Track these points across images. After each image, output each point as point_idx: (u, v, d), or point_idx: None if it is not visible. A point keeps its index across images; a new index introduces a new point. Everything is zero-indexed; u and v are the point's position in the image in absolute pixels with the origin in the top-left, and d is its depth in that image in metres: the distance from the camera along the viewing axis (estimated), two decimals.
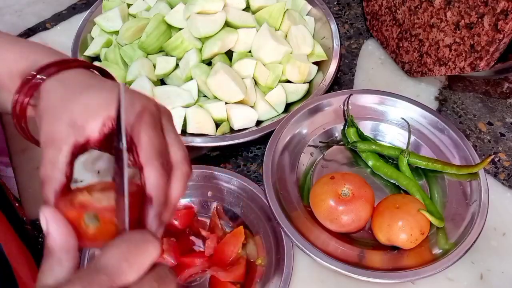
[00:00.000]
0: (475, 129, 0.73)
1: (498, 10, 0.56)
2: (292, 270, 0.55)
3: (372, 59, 0.81)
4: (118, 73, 0.72)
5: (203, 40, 0.71)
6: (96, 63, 0.75)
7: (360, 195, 0.58)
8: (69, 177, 0.38)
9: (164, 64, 0.71)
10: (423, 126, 0.67)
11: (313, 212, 0.60)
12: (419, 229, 0.56)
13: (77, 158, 0.39)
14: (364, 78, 0.79)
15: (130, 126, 0.37)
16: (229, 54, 0.72)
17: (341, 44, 0.76)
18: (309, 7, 0.80)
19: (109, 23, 0.76)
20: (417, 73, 0.74)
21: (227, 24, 0.71)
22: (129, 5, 0.79)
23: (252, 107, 0.69)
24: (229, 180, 0.62)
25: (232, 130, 0.69)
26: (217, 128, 0.68)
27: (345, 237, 0.60)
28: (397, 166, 0.65)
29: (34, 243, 0.58)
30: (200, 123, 0.67)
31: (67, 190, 0.37)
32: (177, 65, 0.72)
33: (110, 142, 0.40)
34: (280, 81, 0.71)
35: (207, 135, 0.67)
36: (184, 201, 0.63)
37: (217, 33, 0.70)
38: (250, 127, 0.68)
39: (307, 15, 0.80)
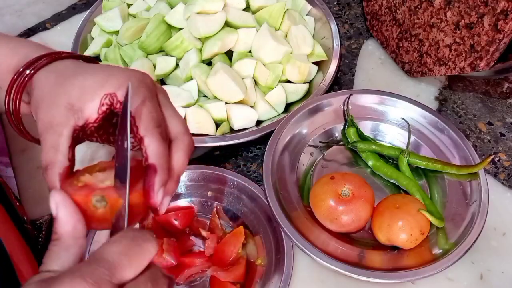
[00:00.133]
0: (475, 129, 0.73)
1: (498, 10, 0.56)
2: (292, 270, 0.55)
3: (372, 59, 0.81)
4: None
5: (203, 40, 0.71)
6: None
7: (360, 195, 0.58)
8: (72, 160, 0.38)
9: (164, 64, 0.71)
10: (423, 126, 0.67)
11: (313, 212, 0.60)
12: (419, 229, 0.56)
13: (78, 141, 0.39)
14: (364, 78, 0.79)
15: (132, 96, 0.37)
16: (229, 54, 0.72)
17: (341, 44, 0.76)
18: (309, 7, 0.80)
19: (109, 23, 0.76)
20: (417, 73, 0.74)
21: (227, 24, 0.71)
22: (129, 5, 0.79)
23: (252, 107, 0.69)
24: (229, 180, 0.62)
25: (232, 130, 0.69)
26: (217, 128, 0.68)
27: (345, 237, 0.60)
28: (397, 166, 0.65)
29: (34, 242, 0.58)
30: (200, 123, 0.67)
31: (70, 174, 0.37)
32: (177, 65, 0.72)
33: (109, 120, 0.40)
34: (280, 81, 0.71)
35: (207, 135, 0.67)
36: (184, 201, 0.63)
37: (217, 33, 0.70)
38: (250, 127, 0.68)
39: (307, 15, 0.80)
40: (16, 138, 0.67)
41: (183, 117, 0.66)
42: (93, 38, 0.78)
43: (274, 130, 0.65)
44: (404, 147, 0.67)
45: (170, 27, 0.73)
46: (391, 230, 0.56)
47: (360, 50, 0.82)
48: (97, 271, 0.29)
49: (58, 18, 0.87)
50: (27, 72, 0.40)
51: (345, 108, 0.68)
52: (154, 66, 0.72)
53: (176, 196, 0.63)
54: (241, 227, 0.59)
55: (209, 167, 0.63)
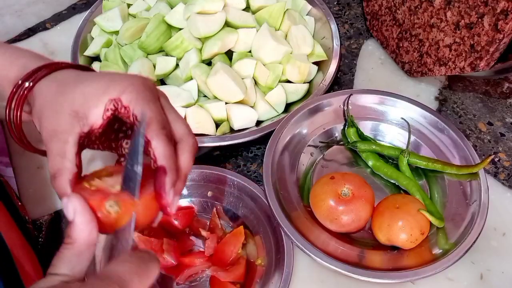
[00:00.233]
0: (475, 129, 0.73)
1: (498, 10, 0.56)
2: (292, 270, 0.55)
3: (372, 59, 0.81)
4: None
5: (203, 40, 0.71)
6: (96, 63, 0.75)
7: (360, 195, 0.58)
8: (79, 166, 0.38)
9: (164, 64, 0.71)
10: (423, 126, 0.67)
11: (313, 212, 0.60)
12: (419, 229, 0.56)
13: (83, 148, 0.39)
14: (364, 78, 0.79)
15: (132, 104, 0.38)
16: (229, 54, 0.72)
17: (341, 44, 0.76)
18: (309, 7, 0.80)
19: (109, 23, 0.76)
20: (417, 73, 0.74)
21: (227, 24, 0.71)
22: (129, 5, 0.79)
23: (252, 107, 0.69)
24: (229, 180, 0.62)
25: (232, 130, 0.69)
26: (217, 128, 0.68)
27: (345, 237, 0.60)
28: (397, 166, 0.65)
29: (35, 242, 0.58)
30: (200, 123, 0.67)
31: (78, 180, 0.38)
32: (177, 65, 0.72)
33: (110, 126, 0.40)
34: (280, 81, 0.71)
35: (207, 135, 0.67)
36: (184, 201, 0.63)
37: (217, 33, 0.70)
38: (250, 127, 0.68)
39: (307, 15, 0.80)
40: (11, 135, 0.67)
41: (183, 117, 0.66)
42: (93, 38, 0.78)
43: (274, 130, 0.65)
44: (404, 147, 0.67)
45: (170, 27, 0.73)
46: (391, 230, 0.56)
47: (360, 50, 0.82)
48: (110, 287, 0.30)
49: (58, 18, 0.87)
50: (26, 84, 0.40)
51: (345, 108, 0.68)
52: (154, 66, 0.72)
53: None
54: (241, 227, 0.59)
55: (209, 167, 0.63)
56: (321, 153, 0.68)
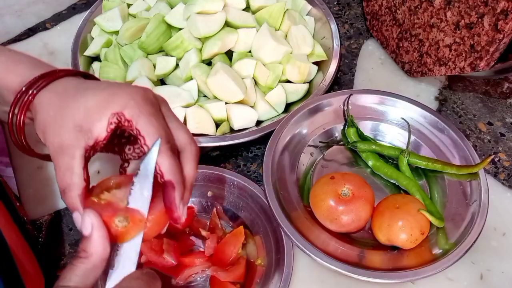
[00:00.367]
0: (475, 129, 0.73)
1: (498, 10, 0.56)
2: (292, 270, 0.55)
3: (372, 59, 0.81)
4: (118, 73, 0.72)
5: (203, 40, 0.71)
6: (96, 63, 0.75)
7: (360, 195, 0.58)
8: (87, 180, 0.39)
9: (164, 64, 0.71)
10: (423, 126, 0.67)
11: (313, 212, 0.60)
12: (419, 229, 0.56)
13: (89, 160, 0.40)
14: (364, 78, 0.79)
15: (134, 118, 0.39)
16: (229, 54, 0.72)
17: (341, 44, 0.76)
18: (309, 7, 0.80)
19: (109, 23, 0.76)
20: (417, 73, 0.74)
21: (227, 24, 0.71)
22: (129, 5, 0.79)
23: (252, 107, 0.69)
24: (229, 180, 0.62)
25: (232, 130, 0.69)
26: (217, 128, 0.68)
27: (345, 237, 0.60)
28: (397, 166, 0.65)
29: (35, 243, 0.58)
30: (200, 123, 0.67)
31: (87, 193, 0.39)
32: (177, 65, 0.72)
33: (113, 136, 0.40)
34: (280, 81, 0.71)
35: (207, 135, 0.67)
36: None
37: (217, 33, 0.70)
38: (250, 127, 0.68)
39: (307, 15, 0.80)
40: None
41: (183, 117, 0.66)
42: (93, 38, 0.78)
43: (274, 130, 0.65)
44: (404, 147, 0.67)
45: (170, 27, 0.73)
46: (391, 230, 0.56)
47: (360, 50, 0.82)
48: None
49: (58, 18, 0.87)
50: (25, 98, 0.40)
51: (345, 108, 0.68)
52: (154, 66, 0.72)
53: None
54: (241, 227, 0.59)
55: (209, 167, 0.63)
56: (321, 153, 0.68)
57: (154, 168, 0.38)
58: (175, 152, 0.40)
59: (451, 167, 0.62)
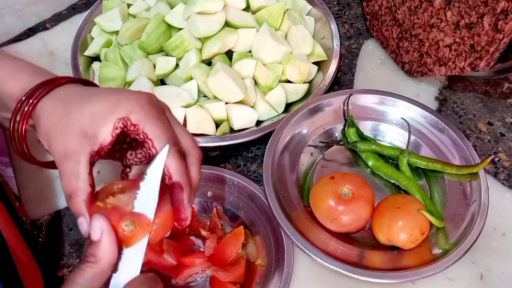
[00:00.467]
0: (475, 129, 0.73)
1: (498, 10, 0.56)
2: (292, 270, 0.55)
3: (372, 59, 0.81)
4: (118, 73, 0.72)
5: (203, 40, 0.71)
6: (96, 63, 0.75)
7: (360, 195, 0.58)
8: (93, 185, 0.39)
9: (164, 64, 0.71)
10: (423, 126, 0.67)
11: (313, 212, 0.60)
12: (419, 229, 0.56)
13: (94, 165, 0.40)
14: (364, 78, 0.79)
15: (141, 123, 0.39)
16: (229, 54, 0.72)
17: (341, 44, 0.76)
18: (309, 7, 0.80)
19: (109, 23, 0.76)
20: (417, 73, 0.74)
21: (227, 24, 0.71)
22: (129, 5, 0.79)
23: (252, 107, 0.69)
24: (229, 180, 0.62)
25: (232, 130, 0.69)
26: (217, 128, 0.68)
27: (345, 237, 0.60)
28: (397, 166, 0.65)
29: (34, 243, 0.58)
30: (200, 123, 0.67)
31: (93, 198, 0.39)
32: (177, 65, 0.72)
33: (115, 142, 0.40)
34: (280, 81, 0.71)
35: (207, 135, 0.67)
36: None
37: (217, 33, 0.70)
38: (250, 127, 0.68)
39: (307, 15, 0.80)
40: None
41: (183, 117, 0.66)
42: (93, 38, 0.78)
43: (274, 130, 0.65)
44: (404, 147, 0.67)
45: (170, 27, 0.73)
46: (391, 230, 0.56)
47: (360, 50, 0.82)
48: None
49: (58, 18, 0.87)
50: (27, 106, 0.40)
51: (345, 108, 0.68)
52: (154, 66, 0.72)
53: None
54: (241, 227, 0.59)
55: (209, 167, 0.63)
56: (321, 153, 0.68)
57: (162, 172, 0.38)
58: (183, 156, 0.41)
59: (451, 167, 0.62)
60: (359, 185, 0.59)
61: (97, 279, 0.35)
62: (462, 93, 0.77)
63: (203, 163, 0.63)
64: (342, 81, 0.78)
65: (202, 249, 0.59)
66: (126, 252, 0.37)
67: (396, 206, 0.57)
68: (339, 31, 0.76)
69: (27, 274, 0.49)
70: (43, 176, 0.66)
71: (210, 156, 0.70)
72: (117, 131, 0.39)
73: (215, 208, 0.62)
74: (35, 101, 0.40)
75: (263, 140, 0.66)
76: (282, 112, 0.71)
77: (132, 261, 0.37)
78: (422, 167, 0.64)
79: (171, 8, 0.73)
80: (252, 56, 0.72)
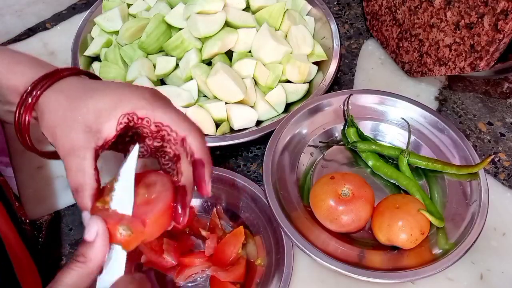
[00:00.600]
0: (475, 129, 0.73)
1: (498, 10, 0.56)
2: (292, 270, 0.55)
3: (372, 59, 0.81)
4: (118, 73, 0.72)
5: (203, 40, 0.71)
6: (96, 63, 0.75)
7: (360, 195, 0.58)
8: (99, 180, 0.40)
9: (164, 64, 0.71)
10: (423, 126, 0.67)
11: (313, 212, 0.60)
12: (419, 229, 0.56)
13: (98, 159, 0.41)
14: (364, 78, 0.79)
15: (150, 115, 0.40)
16: (229, 54, 0.72)
17: (341, 44, 0.76)
18: (309, 7, 0.80)
19: (109, 23, 0.76)
20: (417, 73, 0.74)
21: (227, 24, 0.71)
22: (129, 5, 0.79)
23: (252, 107, 0.69)
24: (229, 180, 0.62)
25: (232, 130, 0.69)
26: (217, 128, 0.68)
27: (345, 237, 0.60)
28: (397, 166, 0.65)
29: (34, 243, 0.58)
30: (200, 123, 0.66)
31: (99, 193, 0.39)
32: (177, 65, 0.72)
33: (118, 135, 0.41)
34: (280, 81, 0.71)
35: (207, 135, 0.67)
36: None
37: (217, 33, 0.70)
38: (250, 127, 0.68)
39: (307, 15, 0.80)
40: (16, 138, 0.67)
41: None
42: (93, 38, 0.78)
43: (274, 130, 0.65)
44: (404, 147, 0.67)
45: (170, 27, 0.73)
46: (391, 230, 0.56)
47: (360, 50, 0.82)
48: None
49: (58, 18, 0.87)
50: (30, 99, 0.40)
51: (345, 108, 0.68)
52: (154, 66, 0.72)
53: None
54: (241, 227, 0.59)
55: None
56: (321, 153, 0.68)
57: (134, 172, 0.39)
58: (202, 134, 0.42)
59: (451, 167, 0.62)
60: (359, 185, 0.59)
61: (84, 280, 0.35)
62: (462, 93, 0.77)
63: None
64: (342, 81, 0.78)
65: (202, 249, 0.59)
66: (110, 252, 0.37)
67: (396, 206, 0.57)
68: (339, 31, 0.76)
69: (25, 274, 0.49)
70: (43, 176, 0.66)
71: None
72: (121, 126, 0.39)
73: (215, 208, 0.62)
74: (38, 92, 0.40)
75: (263, 140, 0.66)
76: (282, 112, 0.71)
77: (116, 261, 0.37)
78: (422, 167, 0.64)
79: (171, 8, 0.73)
80: (252, 56, 0.72)
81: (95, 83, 0.42)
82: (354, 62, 0.81)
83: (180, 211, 0.40)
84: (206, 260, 0.58)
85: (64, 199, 0.65)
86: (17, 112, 0.41)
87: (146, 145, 0.43)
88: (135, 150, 0.39)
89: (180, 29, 0.71)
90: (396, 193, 0.64)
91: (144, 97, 0.40)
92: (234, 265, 0.57)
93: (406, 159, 0.64)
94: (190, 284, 0.58)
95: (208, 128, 0.67)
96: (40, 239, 0.60)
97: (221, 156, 0.70)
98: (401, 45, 0.76)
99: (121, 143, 0.45)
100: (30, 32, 0.85)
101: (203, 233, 0.59)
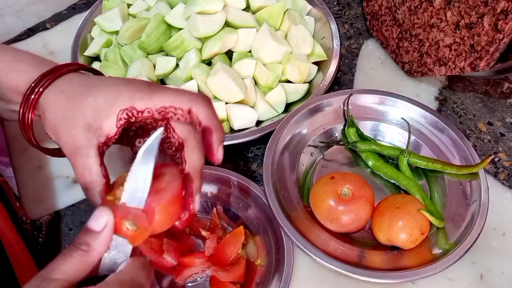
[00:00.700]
0: (475, 129, 0.73)
1: (498, 10, 0.56)
2: (292, 270, 0.55)
3: (372, 59, 0.81)
4: (118, 73, 0.72)
5: (203, 40, 0.71)
6: (96, 63, 0.75)
7: (360, 195, 0.58)
8: (106, 175, 0.40)
9: (164, 64, 0.71)
10: (423, 126, 0.67)
11: (313, 212, 0.60)
12: (419, 229, 0.56)
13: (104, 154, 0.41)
14: (364, 78, 0.79)
15: (148, 105, 0.40)
16: (229, 54, 0.72)
17: (341, 44, 0.76)
18: (309, 7, 0.80)
19: (109, 23, 0.76)
20: (417, 73, 0.74)
21: (227, 24, 0.71)
22: (129, 5, 0.79)
23: (252, 107, 0.69)
24: (229, 180, 0.62)
25: (232, 130, 0.69)
26: None
27: (345, 237, 0.60)
28: (397, 166, 0.65)
29: (34, 243, 0.58)
30: None
31: (110, 187, 0.40)
32: (177, 65, 0.72)
33: (122, 129, 0.41)
34: (280, 81, 0.71)
35: None
36: None
37: (217, 33, 0.70)
38: (250, 127, 0.68)
39: (307, 15, 0.80)
40: (16, 138, 0.67)
41: None
42: (93, 38, 0.78)
43: (274, 130, 0.65)
44: (404, 147, 0.67)
45: (170, 27, 0.73)
46: (391, 230, 0.56)
47: (360, 50, 0.82)
48: None
49: (58, 18, 0.87)
50: (32, 97, 0.41)
51: (345, 108, 0.68)
52: (154, 66, 0.72)
53: None
54: (241, 227, 0.59)
55: (209, 167, 0.63)
56: (321, 153, 0.68)
57: (156, 157, 0.37)
58: (209, 101, 0.42)
59: (451, 167, 0.62)
60: (359, 185, 0.59)
61: (85, 269, 0.34)
62: (462, 93, 0.77)
63: None
64: (342, 81, 0.78)
65: (202, 249, 0.59)
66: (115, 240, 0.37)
67: (396, 206, 0.57)
68: (339, 31, 0.76)
69: (25, 274, 0.49)
70: (43, 176, 0.66)
71: None
72: (122, 122, 0.39)
73: (215, 208, 0.62)
74: (41, 89, 0.40)
75: (263, 140, 0.66)
76: (282, 112, 0.71)
77: (123, 246, 0.37)
78: (422, 167, 0.64)
79: (171, 8, 0.73)
80: (252, 56, 0.72)
81: (94, 80, 0.42)
82: (354, 62, 0.81)
83: (212, 151, 0.41)
84: (206, 260, 0.58)
85: (64, 199, 0.65)
86: (21, 110, 0.41)
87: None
88: (156, 138, 0.37)
89: (180, 29, 0.71)
90: (396, 193, 0.64)
91: (141, 88, 0.40)
92: (234, 265, 0.57)
93: (406, 159, 0.64)
94: (190, 284, 0.58)
95: None
96: (40, 239, 0.60)
97: None
98: (401, 45, 0.76)
99: (126, 137, 0.45)
100: (30, 32, 0.85)
101: (203, 233, 0.59)
